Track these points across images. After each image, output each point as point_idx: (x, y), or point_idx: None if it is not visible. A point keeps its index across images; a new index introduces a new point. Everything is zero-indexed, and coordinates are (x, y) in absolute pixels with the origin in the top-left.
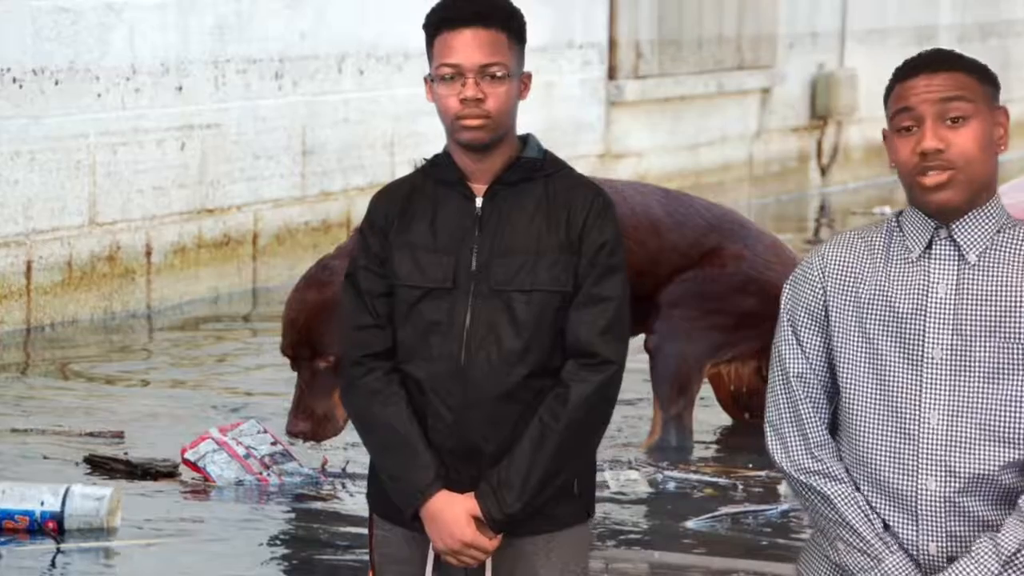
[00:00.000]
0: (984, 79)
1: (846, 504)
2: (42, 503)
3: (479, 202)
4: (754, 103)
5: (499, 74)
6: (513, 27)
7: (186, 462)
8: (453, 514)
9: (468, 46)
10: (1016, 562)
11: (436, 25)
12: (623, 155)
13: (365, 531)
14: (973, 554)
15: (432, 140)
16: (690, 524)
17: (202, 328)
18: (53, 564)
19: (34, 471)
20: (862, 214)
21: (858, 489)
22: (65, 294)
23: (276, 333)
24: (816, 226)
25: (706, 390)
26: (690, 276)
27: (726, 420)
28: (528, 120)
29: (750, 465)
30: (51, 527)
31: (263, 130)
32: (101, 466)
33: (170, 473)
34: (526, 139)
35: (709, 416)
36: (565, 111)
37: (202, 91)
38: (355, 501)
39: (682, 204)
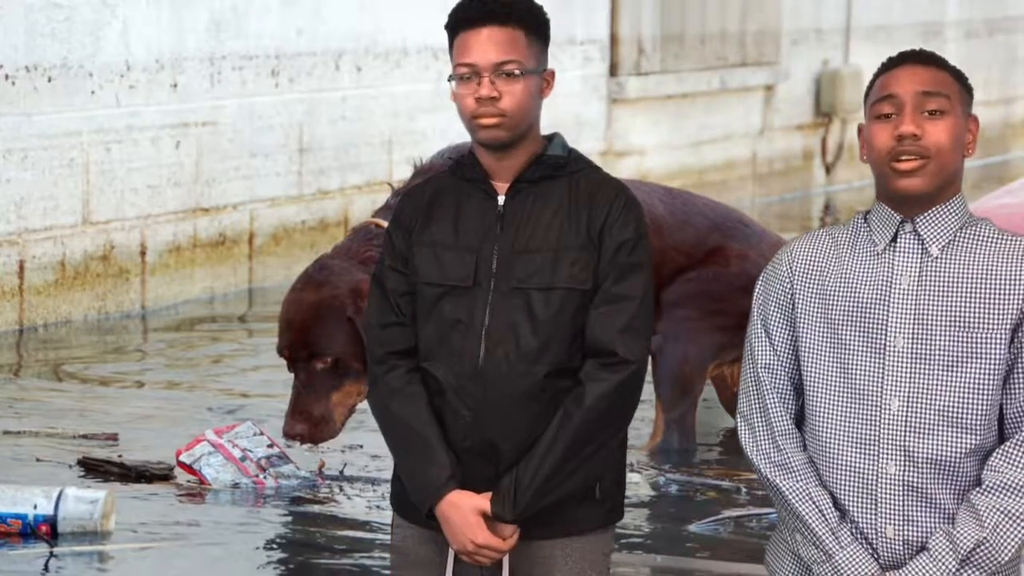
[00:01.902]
0: (962, 84)
1: (800, 500)
2: (35, 506)
3: (501, 200)
4: (758, 100)
5: (515, 72)
6: (531, 24)
7: (181, 465)
8: (463, 514)
9: (483, 45)
10: (973, 559)
11: (455, 25)
12: (625, 153)
13: (363, 535)
14: (931, 552)
15: (430, 138)
16: (693, 527)
17: (197, 329)
18: (46, 568)
19: (27, 474)
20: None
21: (820, 477)
22: (58, 294)
23: (273, 334)
24: (821, 224)
25: (709, 392)
26: (693, 276)
27: (729, 422)
28: None
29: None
30: (44, 531)
31: (259, 128)
32: (95, 469)
33: (165, 476)
34: (552, 137)
35: (712, 418)
36: (566, 108)
37: (197, 88)
38: (352, 504)
39: (684, 203)
